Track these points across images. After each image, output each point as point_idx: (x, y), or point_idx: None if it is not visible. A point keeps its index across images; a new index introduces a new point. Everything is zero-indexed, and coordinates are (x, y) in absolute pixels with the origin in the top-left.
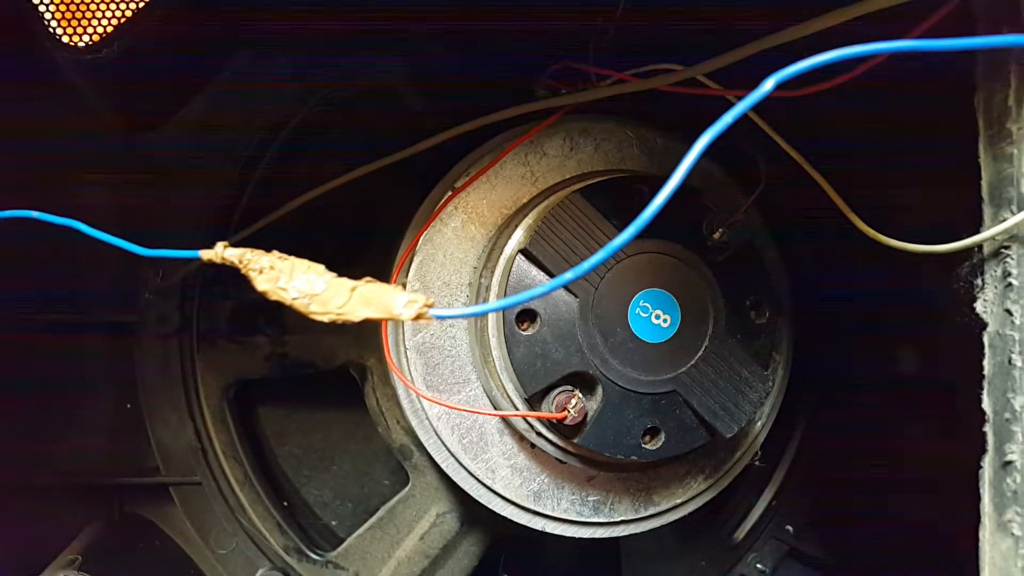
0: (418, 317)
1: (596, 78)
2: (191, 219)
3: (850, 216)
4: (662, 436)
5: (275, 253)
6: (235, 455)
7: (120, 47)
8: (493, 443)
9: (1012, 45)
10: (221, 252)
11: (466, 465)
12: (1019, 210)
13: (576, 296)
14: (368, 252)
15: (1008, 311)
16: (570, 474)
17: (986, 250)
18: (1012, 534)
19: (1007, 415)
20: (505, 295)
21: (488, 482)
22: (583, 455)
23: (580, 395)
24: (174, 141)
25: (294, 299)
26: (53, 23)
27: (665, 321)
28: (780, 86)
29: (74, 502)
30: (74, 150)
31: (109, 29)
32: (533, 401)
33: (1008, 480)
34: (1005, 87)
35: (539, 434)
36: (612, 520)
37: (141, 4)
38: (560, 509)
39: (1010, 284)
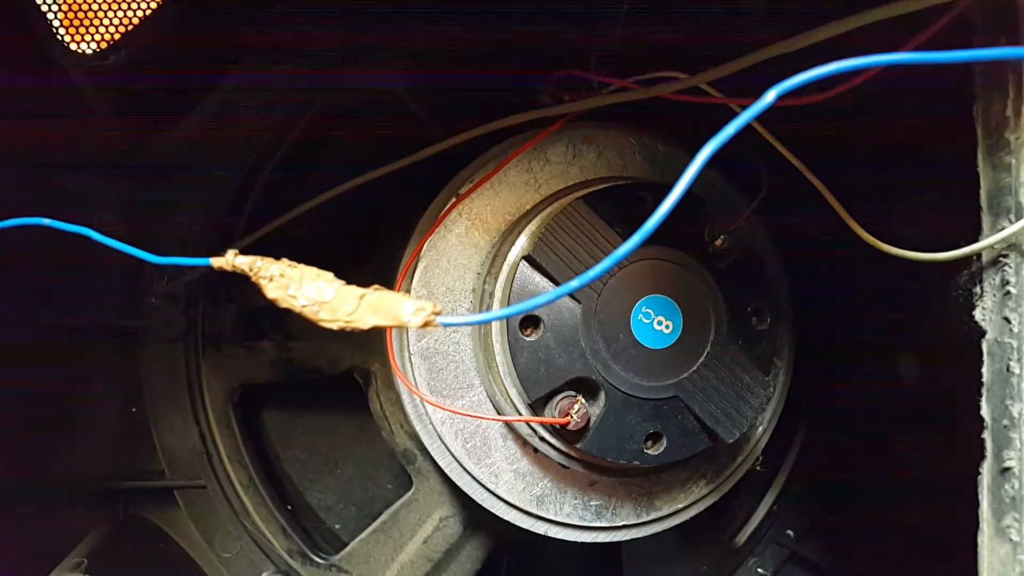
0: (426, 324)
1: (599, 86)
2: (197, 224)
3: (850, 224)
4: (664, 441)
5: (285, 261)
6: (240, 459)
7: (127, 54)
8: (496, 448)
9: (1009, 58)
10: (232, 260)
11: (469, 470)
12: (1017, 219)
13: (579, 302)
14: (372, 257)
15: (1006, 319)
16: (573, 479)
17: (984, 258)
18: (1010, 539)
19: (1005, 422)
20: (509, 301)
21: (491, 486)
22: (586, 460)
23: (583, 401)
24: (179, 147)
25: (303, 306)
26: (61, 30)
27: (667, 327)
28: (781, 96)
29: (79, 505)
30: (80, 155)
31: (116, 36)
32: (536, 406)
33: (1006, 486)
34: (1003, 97)
35: (542, 439)
36: (614, 525)
37: (148, 12)
38: (563, 514)
39: (1008, 292)
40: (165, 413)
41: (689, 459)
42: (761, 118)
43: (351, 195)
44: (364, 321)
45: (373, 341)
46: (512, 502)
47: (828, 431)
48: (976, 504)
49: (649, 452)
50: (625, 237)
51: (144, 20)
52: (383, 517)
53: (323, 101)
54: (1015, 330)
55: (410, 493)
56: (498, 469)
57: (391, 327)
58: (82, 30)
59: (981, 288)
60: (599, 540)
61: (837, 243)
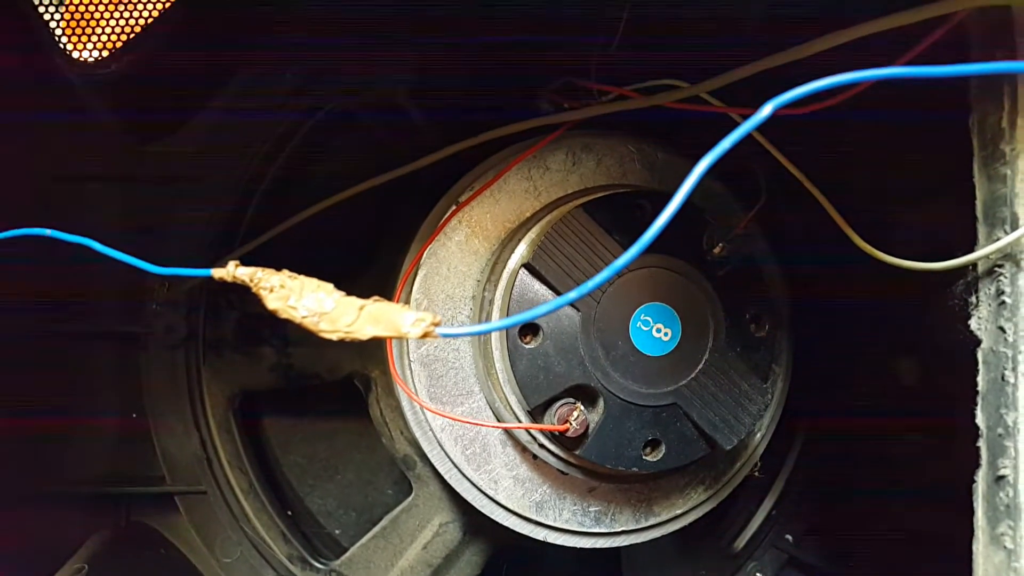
0: (425, 335)
1: (598, 94)
2: (197, 231)
3: (848, 232)
4: (663, 448)
5: (285, 272)
6: (240, 465)
7: (129, 62)
8: (496, 454)
9: (1005, 72)
10: (232, 271)
11: (469, 476)
12: (1012, 229)
13: (578, 310)
14: (373, 264)
15: (1001, 328)
16: (572, 485)
17: (980, 268)
18: (1005, 547)
19: (1000, 430)
20: (508, 309)
21: (491, 493)
22: (585, 467)
23: (582, 407)
24: (180, 154)
25: (304, 317)
26: (63, 38)
27: (666, 335)
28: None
29: (80, 511)
30: (82, 162)
31: (119, 44)
32: (536, 413)
33: (1001, 494)
34: (999, 109)
35: (541, 446)
36: (613, 530)
37: (150, 20)
38: (562, 520)
39: (1003, 302)
40: (166, 419)
41: (687, 465)
42: (760, 128)
43: (351, 202)
44: (364, 332)
45: (373, 348)
46: (511, 508)
47: (826, 436)
48: (974, 510)
49: (647, 459)
50: (624, 245)
51: (145, 29)
52: (383, 523)
53: (323, 109)
54: (1010, 339)
55: (410, 499)
56: (497, 475)
57: (391, 338)
58: (84, 38)
59: (977, 298)
60: (598, 546)
61: (836, 250)
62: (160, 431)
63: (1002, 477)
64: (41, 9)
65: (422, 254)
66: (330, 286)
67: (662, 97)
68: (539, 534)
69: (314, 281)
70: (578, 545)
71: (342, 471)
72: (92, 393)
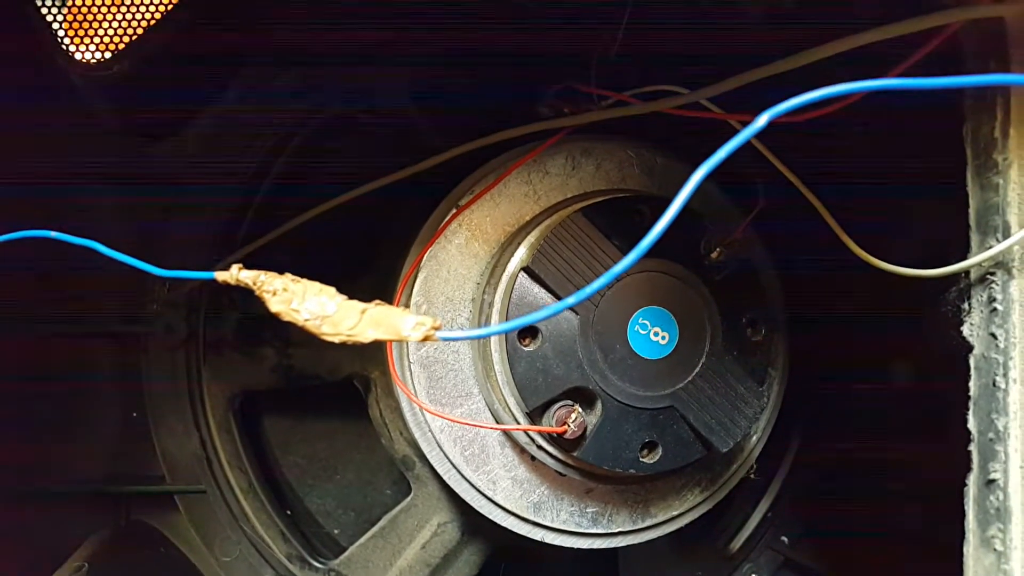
0: (425, 338)
1: (598, 99)
2: (198, 233)
3: (844, 239)
4: (659, 450)
5: (288, 276)
6: (240, 464)
7: (131, 64)
8: (494, 455)
9: (998, 83)
10: (236, 274)
11: (467, 476)
12: (1004, 238)
13: (577, 313)
14: (373, 267)
15: (993, 335)
16: (569, 486)
17: (973, 275)
18: (995, 549)
19: (991, 435)
20: (508, 312)
21: (489, 493)
22: (582, 468)
23: (580, 410)
24: (182, 155)
25: (306, 320)
26: (65, 39)
27: (663, 338)
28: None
29: (80, 509)
30: (83, 163)
31: (121, 46)
32: (534, 415)
33: (991, 497)
34: (991, 119)
35: (539, 447)
36: (610, 531)
37: (152, 22)
38: (559, 520)
39: (995, 309)
40: (166, 418)
41: (684, 467)
42: (758, 135)
43: (352, 205)
44: (365, 335)
45: (373, 349)
46: (510, 509)
47: (823, 439)
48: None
49: (644, 460)
50: (623, 250)
51: (148, 30)
52: (382, 523)
53: (324, 111)
54: (1001, 346)
55: (409, 499)
56: (496, 476)
57: (392, 341)
58: (87, 39)
59: (969, 304)
60: (595, 546)
61: (832, 256)
62: (160, 431)
63: (992, 481)
64: (44, 10)
65: (422, 257)
66: (332, 290)
67: (661, 103)
68: (537, 534)
69: (316, 285)
70: (575, 546)
71: (341, 471)
72: (92, 392)
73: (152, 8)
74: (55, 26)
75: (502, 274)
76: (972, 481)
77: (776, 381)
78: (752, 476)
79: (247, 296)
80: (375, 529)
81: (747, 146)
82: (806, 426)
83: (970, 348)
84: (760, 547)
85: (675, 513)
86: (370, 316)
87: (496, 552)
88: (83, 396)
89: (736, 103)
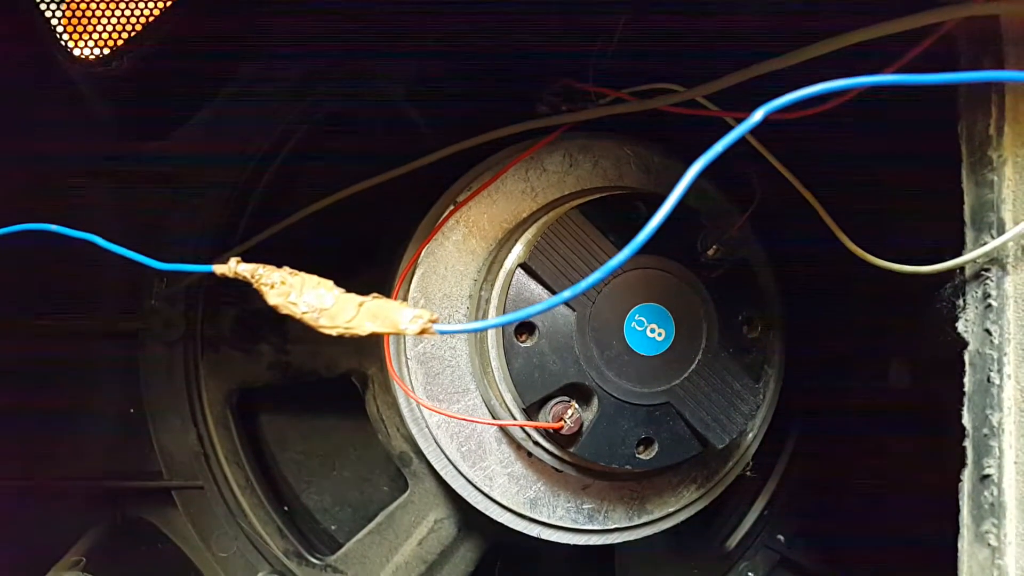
0: (422, 332)
1: (596, 96)
2: (196, 228)
3: (840, 236)
4: (656, 446)
5: (286, 269)
6: (237, 460)
7: (130, 60)
8: (491, 451)
9: (992, 80)
10: (234, 267)
11: (464, 472)
12: (999, 234)
13: (574, 310)
14: (371, 263)
15: (987, 331)
16: (566, 482)
17: (967, 272)
18: (989, 545)
19: (985, 431)
20: (505, 308)
21: (486, 489)
22: (579, 464)
23: (576, 406)
24: (180, 151)
25: (304, 313)
26: (65, 35)
27: (660, 335)
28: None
29: (78, 505)
30: (83, 159)
31: (120, 42)
32: (531, 411)
33: (986, 493)
34: (986, 116)
35: (536, 443)
36: (606, 528)
37: (151, 18)
38: (556, 516)
39: (990, 305)
40: (163, 414)
41: (680, 464)
42: (754, 131)
43: (350, 201)
44: (363, 328)
45: (370, 345)
46: (506, 505)
47: (819, 437)
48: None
49: (641, 457)
50: (619, 246)
51: (147, 27)
52: (379, 519)
53: (322, 108)
54: (996, 342)
55: (406, 495)
56: (492, 472)
57: (389, 334)
58: (86, 36)
59: (964, 301)
60: (591, 543)
61: (829, 252)
62: (157, 426)
63: (987, 476)
64: (43, 6)
65: (420, 253)
66: (330, 283)
67: (658, 100)
68: (533, 531)
69: (314, 278)
70: (572, 542)
71: (339, 467)
72: (90, 389)
73: (151, 5)
74: (54, 22)
75: (499, 270)
76: (966, 477)
77: (772, 378)
78: (748, 474)
79: (245, 292)
80: (372, 525)
81: (744, 143)
82: (803, 423)
83: (965, 344)
84: (756, 545)
85: (671, 510)
86: (368, 309)
87: (493, 548)
88: (80, 392)
89: (733, 101)
